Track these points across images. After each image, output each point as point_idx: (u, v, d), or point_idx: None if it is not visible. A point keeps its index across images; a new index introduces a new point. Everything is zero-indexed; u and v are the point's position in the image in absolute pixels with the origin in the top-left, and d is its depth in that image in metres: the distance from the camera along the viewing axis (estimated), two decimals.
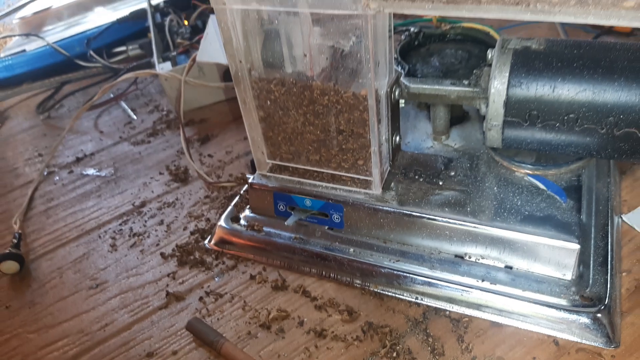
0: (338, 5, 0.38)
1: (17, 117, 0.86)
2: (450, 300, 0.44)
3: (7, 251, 0.55)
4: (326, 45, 0.42)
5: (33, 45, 0.94)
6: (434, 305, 0.44)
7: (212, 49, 0.48)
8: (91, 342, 0.46)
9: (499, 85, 0.42)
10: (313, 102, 0.44)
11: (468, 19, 0.49)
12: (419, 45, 0.54)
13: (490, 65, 0.45)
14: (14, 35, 0.99)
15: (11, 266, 0.54)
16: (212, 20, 0.49)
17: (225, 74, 0.71)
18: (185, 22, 0.83)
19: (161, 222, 0.58)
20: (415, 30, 0.54)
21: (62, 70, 0.90)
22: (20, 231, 0.59)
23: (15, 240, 0.57)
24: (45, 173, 0.70)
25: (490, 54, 0.44)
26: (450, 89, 0.46)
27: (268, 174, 0.52)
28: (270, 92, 0.46)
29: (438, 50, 0.53)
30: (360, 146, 0.45)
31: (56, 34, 0.95)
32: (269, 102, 0.46)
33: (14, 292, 0.53)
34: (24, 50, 0.94)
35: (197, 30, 0.81)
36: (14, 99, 0.90)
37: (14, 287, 0.54)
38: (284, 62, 0.44)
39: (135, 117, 0.77)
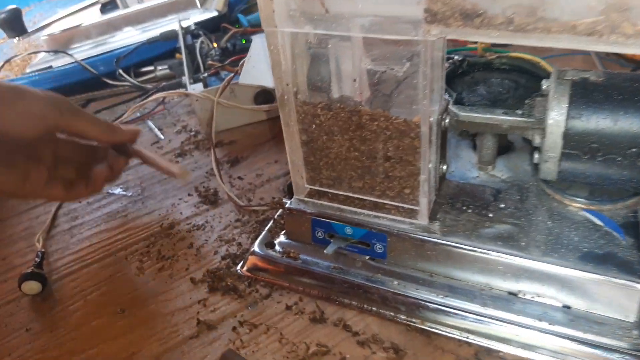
0: (396, 31, 0.37)
1: None
2: (504, 340, 0.41)
3: (30, 270, 0.53)
4: (378, 71, 0.41)
5: (60, 62, 0.94)
6: (487, 345, 0.42)
7: (255, 71, 0.47)
8: None
9: (557, 117, 0.40)
10: (361, 127, 0.43)
11: (522, 49, 0.48)
12: (463, 73, 0.53)
13: (544, 95, 0.44)
14: (42, 52, 0.99)
15: (33, 286, 0.52)
16: (255, 43, 0.48)
17: (257, 96, 0.70)
18: (215, 45, 0.83)
19: (190, 246, 0.56)
20: (460, 58, 0.53)
21: (89, 88, 0.90)
22: (43, 249, 0.57)
23: (37, 259, 0.55)
24: None
25: (545, 84, 0.43)
26: (502, 118, 0.44)
27: (306, 199, 0.50)
28: (316, 116, 0.44)
29: (483, 79, 0.52)
30: (408, 174, 0.43)
31: (84, 51, 0.95)
32: (313, 126, 0.45)
33: (35, 314, 0.51)
34: (50, 67, 0.93)
35: (227, 53, 0.81)
36: None
37: (35, 309, 0.51)
38: (331, 86, 0.43)
39: (162, 137, 0.76)
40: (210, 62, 0.77)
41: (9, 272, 0.57)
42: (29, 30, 0.93)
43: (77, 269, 0.56)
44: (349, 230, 0.47)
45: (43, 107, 0.44)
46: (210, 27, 0.89)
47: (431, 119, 0.41)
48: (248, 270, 0.51)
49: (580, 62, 0.77)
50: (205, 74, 0.74)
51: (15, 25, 0.90)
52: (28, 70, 0.95)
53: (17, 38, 0.92)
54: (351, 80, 0.42)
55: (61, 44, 0.98)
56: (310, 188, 0.50)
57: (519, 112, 0.44)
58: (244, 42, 0.83)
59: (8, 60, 0.92)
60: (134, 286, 0.52)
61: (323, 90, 0.44)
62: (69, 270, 0.56)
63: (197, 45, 0.80)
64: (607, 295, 0.40)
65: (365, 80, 0.41)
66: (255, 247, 0.52)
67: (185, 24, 0.87)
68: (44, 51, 0.97)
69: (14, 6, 0.90)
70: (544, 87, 0.43)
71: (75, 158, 0.51)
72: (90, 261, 0.56)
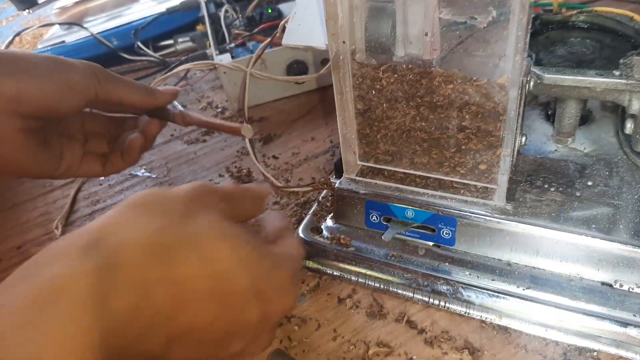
0: None
1: None
2: (598, 338, 0.35)
3: None
4: (456, 22, 0.35)
5: (74, 37, 0.88)
6: (578, 344, 0.36)
7: (301, 30, 0.40)
8: None
9: None
10: (431, 92, 0.37)
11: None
12: (536, 32, 0.47)
13: None
14: (54, 24, 0.93)
15: None
16: None
17: (290, 67, 0.64)
18: (239, 15, 0.77)
19: None
20: (532, 16, 0.46)
21: (105, 63, 0.83)
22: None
23: None
24: None
25: None
26: (597, 80, 0.38)
27: (358, 178, 0.44)
28: (377, 80, 0.38)
29: (560, 39, 0.45)
30: (486, 146, 0.37)
31: (99, 25, 0.89)
32: (373, 92, 0.39)
33: None
34: (63, 42, 0.88)
35: (253, 23, 0.74)
36: None
37: None
38: (395, 42, 0.37)
39: None
40: (236, 31, 0.71)
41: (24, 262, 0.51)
42: (40, 2, 0.87)
43: None
44: (410, 213, 0.41)
45: (83, 77, 0.40)
46: None
47: (520, 80, 0.34)
48: None
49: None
50: (232, 45, 0.67)
51: None
52: (40, 46, 0.89)
53: (27, 11, 0.86)
54: (421, 35, 0.35)
55: (74, 18, 0.92)
56: (363, 165, 0.44)
57: (617, 72, 0.37)
58: (270, 11, 0.76)
59: (18, 34, 0.86)
60: None
61: (385, 48, 0.37)
62: None
63: (222, 14, 0.74)
64: None
65: (438, 35, 0.35)
66: (300, 233, 0.46)
67: None
68: (57, 23, 0.91)
69: None
70: None
71: (104, 131, 0.47)
72: None
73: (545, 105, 0.48)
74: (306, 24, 0.41)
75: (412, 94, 0.37)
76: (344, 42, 0.37)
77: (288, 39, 0.40)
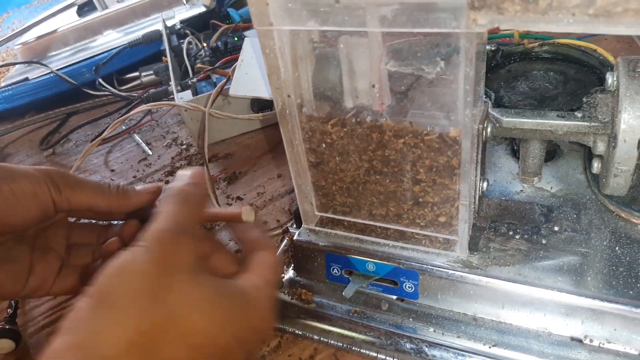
0: (429, 23, 0.28)
1: (19, 153, 0.77)
2: None
3: (0, 326, 0.45)
4: (402, 73, 0.33)
5: (36, 73, 0.85)
6: None
7: (248, 80, 0.39)
8: None
9: (631, 121, 0.32)
10: (383, 146, 0.35)
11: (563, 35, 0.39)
12: (497, 66, 0.45)
13: (607, 92, 0.35)
14: (16, 63, 0.91)
15: (4, 345, 0.45)
16: (247, 44, 0.40)
17: (253, 103, 0.62)
18: (204, 45, 0.75)
19: None
20: (492, 48, 0.45)
21: (69, 100, 0.82)
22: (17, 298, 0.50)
23: (10, 310, 0.48)
24: None
25: (610, 78, 0.34)
26: (557, 123, 0.36)
27: (317, 228, 0.42)
28: (326, 134, 0.36)
29: (522, 72, 0.43)
30: (443, 199, 0.35)
31: (62, 59, 0.87)
32: (323, 145, 0.37)
33: None
34: (26, 79, 0.85)
35: (219, 53, 0.72)
36: (15, 132, 0.81)
37: None
38: (343, 94, 0.35)
39: (150, 152, 0.68)
40: (199, 65, 0.69)
41: None
42: (1, 39, 0.84)
43: (56, 318, 0.48)
44: (371, 266, 0.39)
45: (34, 186, 0.35)
46: (198, 25, 0.80)
47: (473, 131, 0.32)
48: None
49: (613, 43, 0.68)
50: (195, 79, 0.65)
51: None
52: (2, 84, 0.87)
53: None
54: (369, 86, 0.34)
55: (37, 53, 0.89)
56: (322, 215, 0.42)
57: (578, 114, 0.36)
58: (236, 39, 0.74)
59: None
60: None
61: (333, 100, 0.35)
62: (47, 320, 0.48)
63: (184, 46, 0.72)
64: None
65: (386, 86, 0.33)
66: None
67: (170, 23, 0.78)
68: (16, 63, 0.89)
69: None
70: (608, 81, 0.34)
71: (93, 240, 0.42)
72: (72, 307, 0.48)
73: (511, 140, 0.47)
74: (252, 73, 0.39)
75: (364, 147, 0.35)
76: (288, 95, 0.35)
77: (235, 90, 0.39)
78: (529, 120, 0.36)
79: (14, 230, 0.36)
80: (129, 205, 0.39)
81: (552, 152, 0.45)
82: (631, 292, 0.33)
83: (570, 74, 0.43)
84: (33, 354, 0.45)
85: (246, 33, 0.77)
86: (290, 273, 0.44)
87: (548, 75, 0.43)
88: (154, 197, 0.40)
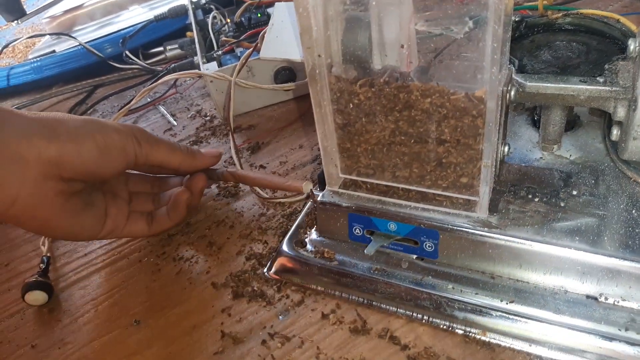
0: None
1: None
2: (583, 353, 0.35)
3: (34, 279, 0.48)
4: (431, 34, 0.34)
5: (63, 46, 0.87)
6: (562, 359, 0.35)
7: (278, 42, 0.40)
8: None
9: None
10: (409, 106, 0.36)
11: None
12: (521, 36, 0.46)
13: (631, 58, 0.36)
14: (44, 35, 0.93)
15: (38, 297, 0.47)
16: (277, 10, 0.41)
17: (278, 73, 0.63)
18: (228, 20, 0.76)
19: (210, 245, 0.50)
20: (516, 19, 0.45)
21: (95, 73, 0.84)
22: (49, 254, 0.52)
23: (42, 265, 0.50)
24: None
25: (632, 44, 0.35)
26: (580, 87, 0.37)
27: (341, 190, 0.43)
28: (354, 95, 0.37)
29: (545, 43, 0.44)
30: (466, 160, 0.36)
31: (88, 34, 0.89)
32: (351, 106, 0.38)
33: (41, 327, 0.46)
34: (53, 51, 0.87)
35: (242, 28, 0.73)
36: (43, 103, 0.84)
37: (42, 322, 0.46)
38: (372, 55, 0.36)
39: (175, 123, 0.70)
40: (224, 38, 0.70)
41: (12, 279, 0.51)
42: (29, 12, 0.87)
43: (86, 274, 0.50)
44: (392, 226, 0.41)
45: (123, 141, 0.39)
46: (222, 1, 0.81)
47: (498, 92, 0.33)
48: (276, 272, 0.45)
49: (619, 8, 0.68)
50: (220, 52, 0.67)
51: (12, 7, 0.84)
52: (30, 56, 0.89)
53: (15, 21, 0.86)
54: (397, 46, 0.35)
55: (64, 27, 0.91)
56: (346, 178, 0.43)
57: (601, 79, 0.36)
58: (259, 15, 0.75)
59: (7, 46, 0.86)
60: (149, 293, 0.46)
61: (362, 60, 0.36)
62: (77, 276, 0.50)
63: (209, 20, 0.73)
64: None
65: (415, 46, 0.34)
66: (284, 246, 0.46)
67: None
68: (45, 34, 0.91)
69: None
70: (630, 47, 0.35)
71: (148, 190, 0.46)
72: (101, 265, 0.51)
73: (531, 110, 0.48)
74: (283, 36, 0.40)
75: (391, 108, 0.37)
76: (319, 55, 0.37)
77: (265, 52, 0.40)
78: (552, 85, 0.37)
79: (102, 179, 0.40)
80: (194, 165, 0.44)
81: (572, 122, 0.45)
82: None
83: (592, 45, 0.43)
84: (65, 307, 0.47)
85: (268, 9, 0.78)
86: (313, 234, 0.46)
87: (571, 45, 0.44)
88: (216, 161, 0.45)
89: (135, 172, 0.45)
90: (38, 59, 0.84)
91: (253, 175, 0.45)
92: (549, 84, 0.37)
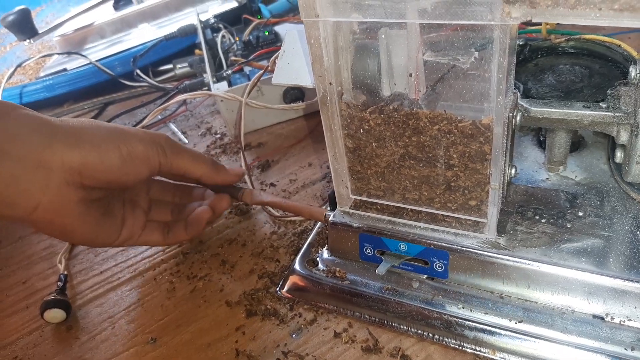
0: (466, 15, 0.31)
1: None
2: None
3: (52, 297, 0.49)
4: (439, 63, 0.35)
5: (74, 64, 0.89)
6: None
7: (290, 69, 0.41)
8: None
9: None
10: (418, 132, 0.37)
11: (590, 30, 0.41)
12: (525, 60, 0.47)
13: (631, 84, 0.37)
14: (55, 54, 0.95)
15: (56, 315, 0.48)
16: (289, 37, 0.42)
17: (287, 93, 0.65)
18: (237, 39, 0.78)
19: (223, 263, 0.51)
20: (521, 43, 0.47)
21: (106, 90, 0.85)
22: (65, 272, 0.53)
23: (60, 283, 0.51)
24: None
25: (634, 71, 0.36)
26: (583, 113, 0.38)
27: (352, 210, 0.45)
28: (364, 121, 0.39)
29: (549, 66, 0.45)
30: (474, 183, 0.38)
31: (98, 52, 0.91)
32: (361, 131, 0.39)
33: (59, 344, 0.47)
34: (64, 69, 0.89)
35: (250, 47, 0.75)
36: None
37: (60, 339, 0.47)
38: (381, 82, 0.37)
39: (186, 140, 0.71)
40: (233, 57, 0.72)
41: (30, 297, 0.53)
42: (40, 31, 0.89)
43: (102, 292, 0.51)
44: (403, 246, 0.42)
45: (147, 149, 0.40)
46: (230, 20, 0.83)
47: (504, 119, 0.35)
48: (289, 291, 0.46)
49: (636, 41, 0.69)
50: (229, 71, 0.68)
51: (24, 27, 0.85)
52: (42, 74, 0.91)
53: (27, 40, 0.88)
54: (405, 75, 0.36)
55: (74, 45, 0.93)
56: (356, 199, 0.44)
57: (603, 105, 0.38)
58: (267, 33, 0.77)
59: (20, 65, 0.88)
60: (165, 311, 0.48)
61: (371, 88, 0.38)
62: (94, 294, 0.51)
63: (218, 39, 0.75)
64: None
65: (422, 75, 0.35)
66: (296, 265, 0.47)
67: (203, 18, 0.81)
68: (56, 53, 0.93)
69: (22, 7, 0.86)
70: (632, 74, 0.36)
71: (170, 199, 0.46)
72: (117, 283, 0.52)
73: (537, 131, 0.49)
74: (294, 62, 0.41)
75: (400, 134, 0.38)
76: (330, 83, 0.38)
77: (277, 78, 0.41)
78: (556, 110, 0.38)
79: (123, 187, 0.41)
80: (217, 179, 0.45)
81: (577, 143, 0.47)
82: None
83: (595, 69, 0.44)
84: (82, 325, 0.48)
85: (276, 27, 0.79)
86: (325, 253, 0.47)
87: (574, 69, 0.45)
88: (237, 180, 0.46)
89: (158, 178, 0.46)
90: (50, 77, 0.86)
91: (270, 199, 0.46)
92: (553, 109, 0.38)
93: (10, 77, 0.87)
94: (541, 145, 0.47)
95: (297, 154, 0.63)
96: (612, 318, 0.37)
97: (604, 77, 0.43)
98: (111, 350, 0.45)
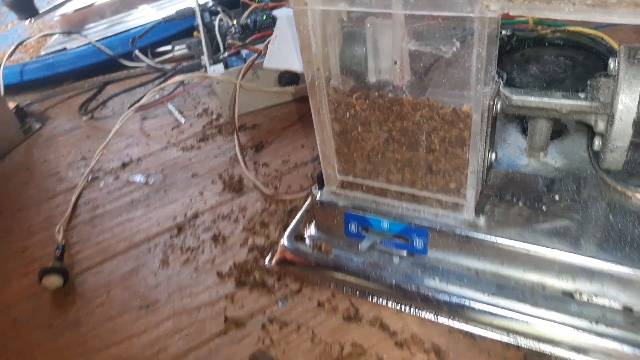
0: (447, 7, 0.32)
1: (59, 117, 0.82)
2: (557, 343, 0.38)
3: (50, 265, 0.51)
4: (422, 52, 0.37)
5: (74, 44, 0.90)
6: (537, 348, 0.38)
7: (281, 54, 0.43)
8: None
9: (628, 102, 0.36)
10: (402, 118, 0.39)
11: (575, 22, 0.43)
12: (512, 50, 0.48)
13: (609, 76, 0.39)
14: (55, 33, 0.96)
15: (54, 281, 0.50)
16: (280, 23, 0.44)
17: (281, 76, 0.66)
18: (234, 22, 0.79)
19: (216, 237, 0.53)
20: (508, 34, 0.48)
21: (105, 70, 0.87)
22: (64, 242, 0.55)
23: (58, 252, 0.53)
24: (90, 178, 0.66)
25: (612, 63, 0.38)
26: (562, 102, 0.40)
27: (338, 190, 0.47)
28: (350, 106, 0.40)
29: (535, 56, 0.47)
30: (454, 167, 0.40)
31: (98, 32, 0.92)
32: (347, 116, 0.41)
33: (57, 309, 0.49)
34: (65, 49, 0.90)
35: (248, 30, 0.76)
36: (55, 98, 0.87)
37: (58, 304, 0.50)
38: (367, 69, 0.39)
39: (183, 120, 0.73)
40: (230, 40, 0.73)
41: (29, 265, 0.55)
42: (41, 11, 0.89)
43: (99, 261, 0.53)
44: (385, 224, 0.44)
45: None
46: (229, 3, 0.84)
47: (483, 107, 0.37)
48: (277, 263, 0.48)
49: (630, 33, 0.71)
50: (226, 54, 0.70)
51: (25, 6, 0.86)
52: (42, 53, 0.92)
53: (28, 20, 0.89)
54: (390, 62, 0.38)
55: (75, 25, 0.94)
56: (342, 179, 0.46)
57: (581, 94, 0.40)
58: (265, 17, 0.78)
59: (21, 43, 0.89)
60: (158, 280, 0.50)
61: (358, 74, 0.39)
62: (90, 263, 0.53)
63: (216, 22, 0.76)
64: None
65: (407, 63, 0.37)
66: (284, 240, 0.49)
67: (202, 1, 0.82)
68: (57, 33, 0.94)
69: None
70: (610, 66, 0.38)
71: None
72: (113, 253, 0.54)
73: (521, 118, 0.51)
74: (285, 47, 0.43)
75: (384, 119, 0.40)
76: (318, 69, 0.40)
77: (268, 63, 0.43)
78: (536, 99, 0.40)
79: None
80: None
81: (559, 131, 0.48)
82: (619, 254, 0.37)
83: (579, 60, 0.46)
84: (79, 291, 0.51)
85: (274, 12, 0.81)
86: (312, 229, 0.49)
87: (558, 60, 0.47)
88: None
89: None
90: (50, 56, 0.87)
91: None
92: (533, 98, 0.40)
93: (11, 55, 0.88)
94: (524, 132, 0.49)
95: (290, 136, 0.65)
96: (581, 295, 0.39)
97: (587, 69, 0.45)
98: (106, 315, 0.47)
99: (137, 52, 0.81)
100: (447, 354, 0.39)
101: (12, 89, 0.88)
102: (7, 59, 0.87)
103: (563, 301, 0.39)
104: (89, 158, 0.70)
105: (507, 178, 0.44)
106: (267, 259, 0.49)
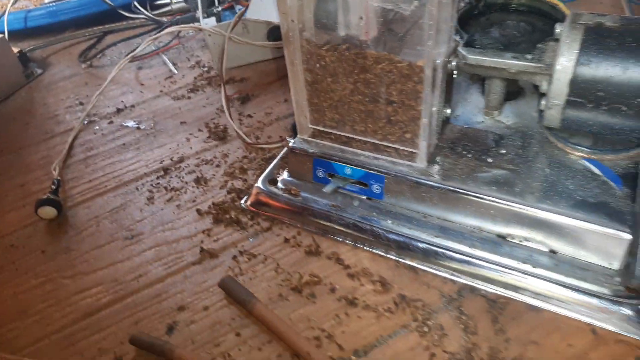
0: None
1: (59, 64, 0.86)
2: (488, 280, 0.43)
3: (46, 197, 0.56)
4: (384, 9, 0.40)
5: None
6: (471, 283, 0.43)
7: (263, 6, 0.46)
8: (124, 291, 0.47)
9: (565, 62, 0.39)
10: (365, 70, 0.43)
11: None
12: (479, 14, 0.51)
13: (557, 40, 0.42)
14: None
15: (49, 212, 0.55)
16: None
17: (270, 32, 0.69)
18: None
19: (198, 179, 0.58)
20: None
21: (106, 20, 0.90)
22: (59, 178, 0.60)
23: (54, 187, 0.58)
24: (86, 122, 0.70)
25: (558, 28, 0.41)
26: (511, 62, 0.43)
27: (309, 139, 0.51)
28: (321, 57, 0.44)
29: (499, 21, 0.50)
30: (409, 119, 0.44)
31: None
32: (318, 66, 0.45)
33: (50, 237, 0.54)
34: None
35: None
36: (56, 45, 0.90)
37: (51, 233, 0.55)
38: (337, 24, 0.43)
39: (176, 71, 0.76)
40: None
41: (26, 198, 0.60)
42: None
43: (90, 197, 0.58)
44: (348, 170, 0.48)
45: None
46: None
47: (437, 62, 0.40)
48: (251, 204, 0.53)
49: (608, 7, 0.73)
50: (220, 8, 0.73)
51: None
52: (46, 1, 0.95)
53: None
54: (357, 17, 0.41)
55: None
56: (314, 128, 0.50)
57: (529, 56, 0.43)
58: None
59: None
60: (143, 215, 0.55)
61: (329, 28, 0.43)
62: (83, 198, 0.58)
63: None
64: (594, 242, 0.40)
65: (372, 19, 0.41)
66: (259, 183, 0.54)
67: None
68: None
69: None
70: (557, 31, 0.41)
71: None
72: (103, 190, 0.59)
73: (483, 80, 0.54)
74: (267, 1, 0.46)
75: (350, 71, 0.43)
76: (292, 20, 0.43)
77: (251, 14, 0.46)
78: (489, 59, 0.44)
79: None
80: None
81: (516, 93, 0.52)
82: (549, 202, 0.42)
83: (538, 26, 0.49)
84: (71, 222, 0.56)
85: None
86: (285, 175, 0.54)
87: (519, 25, 0.50)
88: None
89: None
90: (54, 3, 0.90)
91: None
92: (486, 58, 0.44)
93: (15, 1, 0.91)
94: (484, 92, 0.53)
95: (275, 91, 0.69)
96: (513, 238, 0.44)
97: (544, 34, 0.48)
98: (95, 243, 0.53)
99: (135, 3, 0.84)
100: (392, 285, 0.44)
101: (16, 34, 0.91)
102: (11, 5, 0.90)
103: (497, 243, 0.44)
104: (86, 103, 0.74)
105: (461, 133, 0.48)
106: (242, 200, 0.54)
